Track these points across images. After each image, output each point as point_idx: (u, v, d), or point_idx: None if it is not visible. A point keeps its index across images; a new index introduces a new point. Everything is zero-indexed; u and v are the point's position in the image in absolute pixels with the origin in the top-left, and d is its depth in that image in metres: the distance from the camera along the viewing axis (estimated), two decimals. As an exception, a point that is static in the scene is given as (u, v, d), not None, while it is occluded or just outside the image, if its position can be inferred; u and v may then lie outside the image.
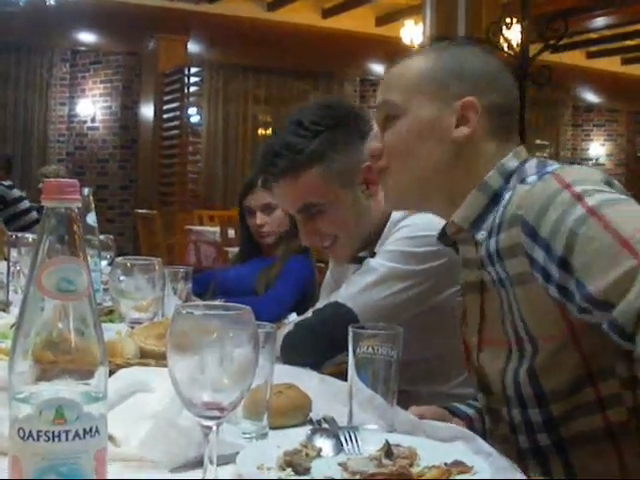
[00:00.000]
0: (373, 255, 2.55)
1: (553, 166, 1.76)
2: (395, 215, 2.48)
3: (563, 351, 1.68)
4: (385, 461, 1.46)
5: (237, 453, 1.43)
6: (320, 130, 2.46)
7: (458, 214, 1.86)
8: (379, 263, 2.39)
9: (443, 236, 2.00)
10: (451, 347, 2.45)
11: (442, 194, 1.90)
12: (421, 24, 9.73)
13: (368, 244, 2.59)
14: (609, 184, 1.66)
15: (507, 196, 1.75)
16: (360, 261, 2.63)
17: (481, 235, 1.81)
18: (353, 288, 2.40)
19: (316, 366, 2.34)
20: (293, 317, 2.76)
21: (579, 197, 1.57)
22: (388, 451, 1.49)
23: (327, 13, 14.60)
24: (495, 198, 1.80)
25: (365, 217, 2.52)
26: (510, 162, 1.85)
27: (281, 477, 1.39)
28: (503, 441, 1.86)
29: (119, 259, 2.40)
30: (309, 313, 2.46)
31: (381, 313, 2.30)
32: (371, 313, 2.32)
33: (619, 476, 1.71)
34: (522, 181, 1.76)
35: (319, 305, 2.48)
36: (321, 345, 2.37)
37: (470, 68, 1.90)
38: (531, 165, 1.83)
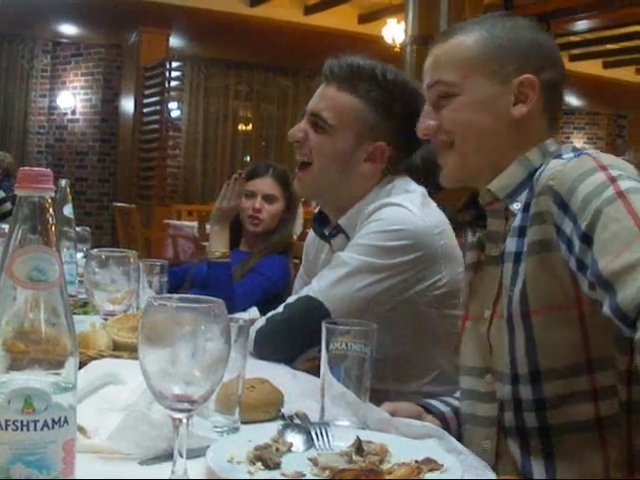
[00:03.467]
0: (336, 233, 2.58)
1: (589, 150, 1.79)
2: (368, 206, 2.48)
3: (567, 325, 1.70)
4: (356, 457, 1.47)
5: (208, 447, 1.43)
6: (387, 89, 2.51)
7: (495, 183, 1.88)
8: (350, 257, 2.38)
9: (461, 210, 2.05)
10: (420, 345, 2.45)
11: (493, 167, 1.91)
12: (403, 23, 9.72)
13: (330, 205, 2.64)
14: None
15: (540, 170, 1.78)
16: (325, 238, 2.64)
17: (516, 206, 1.83)
18: (324, 282, 2.39)
19: (288, 361, 2.34)
20: (253, 311, 2.74)
21: (613, 180, 1.60)
22: (359, 447, 1.49)
23: (309, 10, 14.56)
24: (532, 174, 1.82)
25: (345, 174, 2.54)
26: (551, 146, 1.89)
27: (250, 471, 1.39)
28: (489, 424, 1.89)
29: (94, 251, 2.39)
30: (280, 308, 2.45)
31: (352, 307, 2.31)
32: (343, 307, 2.32)
33: (600, 469, 1.72)
34: (557, 157, 1.80)
35: (291, 299, 2.47)
36: (293, 340, 2.37)
37: (526, 44, 1.90)
38: (567, 147, 1.89)
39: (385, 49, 11.78)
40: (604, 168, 1.64)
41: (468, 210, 2.03)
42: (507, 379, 1.81)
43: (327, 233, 2.66)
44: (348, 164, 2.52)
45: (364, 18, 14.77)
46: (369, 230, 2.40)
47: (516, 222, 1.81)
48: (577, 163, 1.69)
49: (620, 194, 1.56)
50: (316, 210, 2.81)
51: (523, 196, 1.82)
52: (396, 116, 2.52)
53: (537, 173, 1.78)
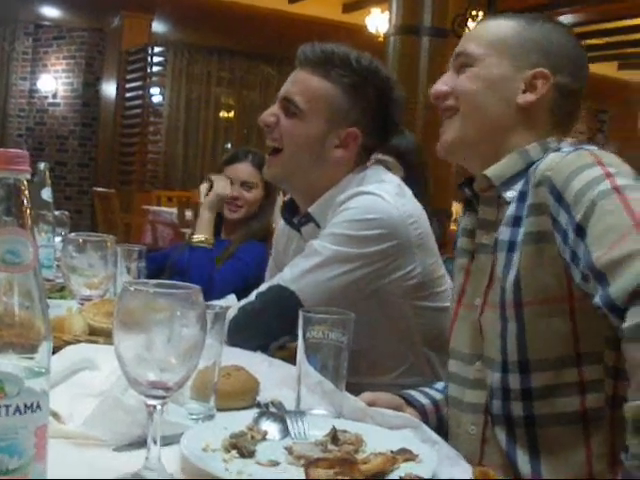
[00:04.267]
0: (306, 221, 2.57)
1: (589, 146, 1.80)
2: (339, 194, 2.47)
3: (558, 318, 1.72)
4: (331, 446, 1.46)
5: (183, 434, 1.42)
6: (361, 75, 2.50)
7: (492, 170, 1.89)
8: (322, 246, 2.37)
9: (464, 185, 2.04)
10: (392, 337, 2.45)
11: (490, 152, 1.93)
12: (387, 12, 9.71)
13: (300, 192, 2.63)
14: (638, 180, 1.70)
15: (538, 162, 1.80)
16: (295, 226, 2.63)
17: (510, 194, 1.85)
18: (296, 270, 2.39)
19: (261, 349, 2.32)
20: (231, 298, 2.73)
21: (609, 175, 1.62)
22: (334, 437, 1.49)
23: (294, -2, 14.57)
24: (530, 166, 1.83)
25: (317, 160, 2.52)
26: (553, 143, 1.90)
27: (225, 459, 1.38)
28: (476, 410, 1.89)
29: (72, 235, 2.37)
30: (252, 296, 2.44)
31: (324, 296, 2.30)
32: (315, 296, 2.31)
33: (583, 461, 1.73)
34: (556, 150, 1.82)
35: (262, 287, 2.46)
36: (265, 329, 2.37)
37: (555, 45, 1.95)
38: (567, 142, 1.91)
39: (369, 39, 11.77)
40: (602, 164, 1.66)
41: (463, 189, 2.04)
42: (497, 367, 1.81)
43: (296, 221, 2.65)
44: (320, 150, 2.51)
45: (348, 7, 14.75)
46: (342, 219, 2.38)
47: (510, 211, 1.82)
48: (575, 156, 1.71)
49: (615, 188, 1.58)
50: (286, 198, 2.80)
51: (518, 186, 1.84)
52: (369, 102, 2.51)
53: (535, 165, 1.80)
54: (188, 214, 9.00)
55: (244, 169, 4.10)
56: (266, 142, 2.58)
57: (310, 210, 2.53)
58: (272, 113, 2.55)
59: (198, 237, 3.63)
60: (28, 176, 1.09)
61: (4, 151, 1.08)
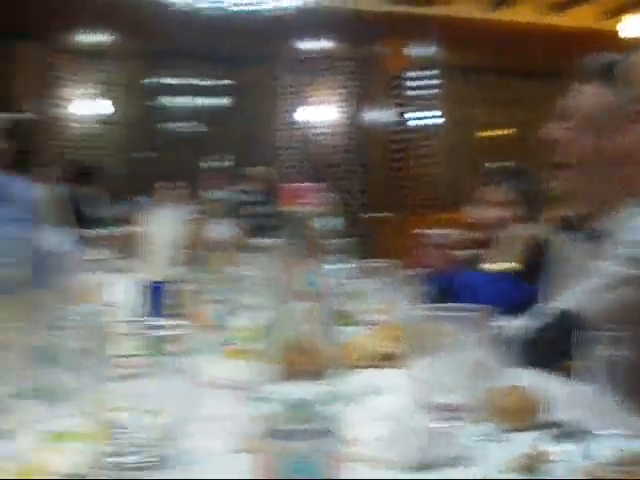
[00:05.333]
0: (589, 238, 2.53)
1: None
2: (629, 212, 2.40)
3: None
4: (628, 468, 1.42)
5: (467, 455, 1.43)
6: None
7: None
8: (608, 266, 2.32)
9: None
10: None
11: None
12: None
13: (586, 207, 2.59)
14: None
15: None
16: (576, 241, 2.61)
17: None
18: (580, 290, 2.36)
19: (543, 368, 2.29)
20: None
21: None
22: (627, 458, 1.45)
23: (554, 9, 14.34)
24: None
25: (605, 176, 2.48)
26: None
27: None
28: None
29: (355, 262, 2.43)
30: (534, 317, 2.42)
31: (607, 316, 2.21)
32: (597, 316, 2.23)
33: None
34: None
35: (542, 308, 2.44)
36: (547, 349, 2.33)
37: None
38: None
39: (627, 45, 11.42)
40: None
41: None
42: None
43: (579, 237, 2.60)
44: (608, 165, 2.46)
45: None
46: (630, 238, 2.32)
47: None
48: None
49: None
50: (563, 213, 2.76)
51: None
52: None
53: None
54: (461, 235, 9.00)
55: (493, 191, 4.13)
56: (552, 157, 2.55)
57: (596, 226, 2.49)
58: (556, 127, 2.52)
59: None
60: (317, 208, 1.14)
61: (293, 186, 1.13)
